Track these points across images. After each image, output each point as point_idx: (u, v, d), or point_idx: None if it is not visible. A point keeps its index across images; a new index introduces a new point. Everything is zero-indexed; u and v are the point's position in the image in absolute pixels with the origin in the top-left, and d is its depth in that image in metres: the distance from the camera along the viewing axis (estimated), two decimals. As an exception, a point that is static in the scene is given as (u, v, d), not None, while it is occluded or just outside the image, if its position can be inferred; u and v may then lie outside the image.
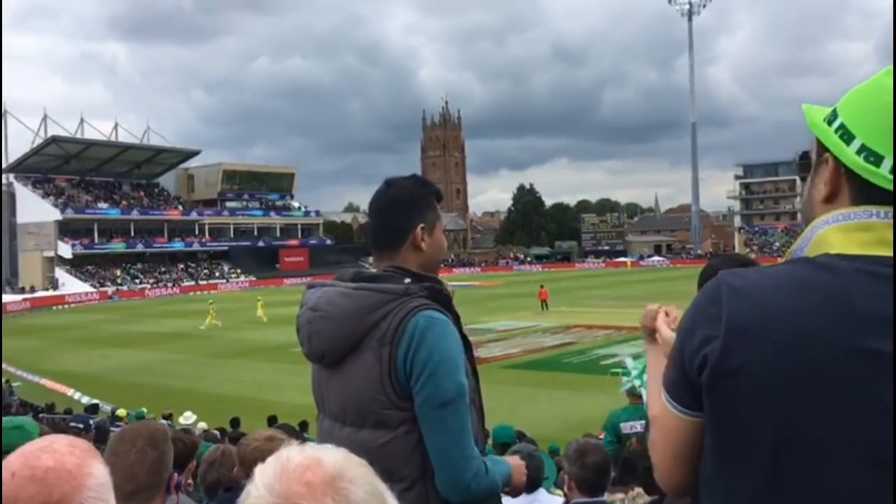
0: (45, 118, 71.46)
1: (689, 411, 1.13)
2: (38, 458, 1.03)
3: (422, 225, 2.00)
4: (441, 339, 1.83)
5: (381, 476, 0.87)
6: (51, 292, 61.06)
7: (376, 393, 1.84)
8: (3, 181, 70.31)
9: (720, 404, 1.06)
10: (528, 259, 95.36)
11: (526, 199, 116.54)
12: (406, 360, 1.81)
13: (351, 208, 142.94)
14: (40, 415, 13.20)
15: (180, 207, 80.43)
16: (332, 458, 0.85)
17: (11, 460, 1.05)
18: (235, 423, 12.74)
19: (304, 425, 10.96)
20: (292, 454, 0.85)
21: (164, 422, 9.85)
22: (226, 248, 79.63)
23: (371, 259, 2.23)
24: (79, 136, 73.53)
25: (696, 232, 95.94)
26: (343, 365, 1.90)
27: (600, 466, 3.07)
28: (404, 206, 2.02)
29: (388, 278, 1.94)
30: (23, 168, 70.51)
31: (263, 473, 0.84)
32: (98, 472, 1.07)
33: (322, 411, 2.03)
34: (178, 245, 76.65)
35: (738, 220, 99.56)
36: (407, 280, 1.92)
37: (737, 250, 77.78)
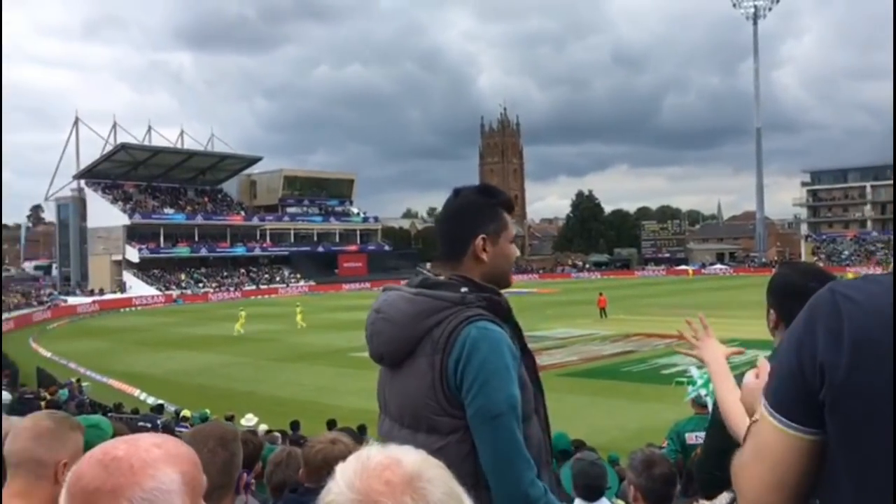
0: (114, 126, 73.81)
1: (801, 427, 1.06)
2: (114, 447, 1.05)
3: (482, 235, 2.00)
4: (493, 352, 1.82)
5: None
6: (118, 295, 62.97)
7: (429, 399, 1.85)
8: (75, 186, 72.99)
9: (849, 422, 1.00)
10: (587, 266, 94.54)
11: (585, 205, 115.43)
12: (457, 369, 1.82)
13: (409, 214, 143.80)
14: (108, 414, 13.57)
15: (243, 213, 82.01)
16: (411, 458, 0.87)
17: (98, 446, 1.07)
18: (295, 426, 12.89)
19: (362, 429, 11.03)
20: (372, 453, 0.87)
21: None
22: (286, 253, 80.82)
23: (428, 265, 2.23)
24: (146, 143, 75.73)
25: (760, 240, 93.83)
26: (402, 368, 1.93)
27: (667, 477, 3.02)
28: (465, 216, 2.03)
29: (448, 286, 1.94)
30: (93, 174, 72.90)
31: (344, 471, 0.86)
32: (164, 478, 1.02)
33: (383, 411, 2.06)
34: (240, 250, 78.11)
35: (804, 228, 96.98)
36: (464, 289, 1.92)
37: (803, 259, 75.74)
